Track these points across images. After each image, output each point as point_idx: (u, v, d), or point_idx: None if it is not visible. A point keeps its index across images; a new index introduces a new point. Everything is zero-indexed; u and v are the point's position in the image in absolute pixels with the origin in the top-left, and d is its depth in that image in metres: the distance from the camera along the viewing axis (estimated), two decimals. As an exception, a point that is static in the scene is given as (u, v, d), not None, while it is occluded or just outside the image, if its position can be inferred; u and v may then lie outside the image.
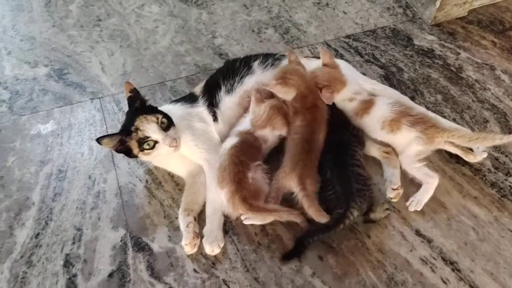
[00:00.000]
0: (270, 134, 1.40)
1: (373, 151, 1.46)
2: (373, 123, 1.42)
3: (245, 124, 1.42)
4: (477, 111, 1.60)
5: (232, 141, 1.35)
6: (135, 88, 1.35)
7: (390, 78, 1.71)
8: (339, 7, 2.01)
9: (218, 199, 1.31)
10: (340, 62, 1.56)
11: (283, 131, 1.39)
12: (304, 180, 1.28)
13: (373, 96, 1.46)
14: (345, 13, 1.99)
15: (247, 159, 1.31)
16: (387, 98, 1.44)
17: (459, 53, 1.79)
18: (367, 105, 1.42)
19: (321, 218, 1.23)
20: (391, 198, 1.37)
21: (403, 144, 1.40)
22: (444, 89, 1.66)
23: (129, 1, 2.08)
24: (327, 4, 2.03)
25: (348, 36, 1.88)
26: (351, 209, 1.25)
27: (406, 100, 1.52)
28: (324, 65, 1.44)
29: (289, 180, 1.30)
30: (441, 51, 1.80)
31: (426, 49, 1.81)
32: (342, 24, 1.94)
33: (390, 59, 1.78)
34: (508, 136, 1.31)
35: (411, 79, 1.70)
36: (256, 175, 1.31)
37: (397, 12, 1.97)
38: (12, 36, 1.95)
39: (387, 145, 1.45)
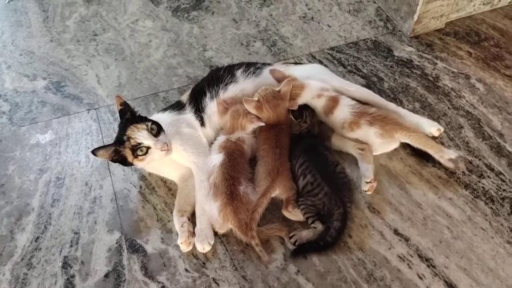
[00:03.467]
0: (244, 134, 1.50)
1: (349, 148, 1.55)
2: (336, 123, 1.55)
3: (221, 137, 1.52)
4: (452, 117, 1.69)
5: (219, 158, 1.43)
6: (125, 101, 1.42)
7: (371, 87, 1.80)
8: (323, 21, 2.12)
9: (208, 209, 1.39)
10: (313, 65, 1.71)
11: (252, 126, 1.48)
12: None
13: (338, 94, 1.56)
14: (329, 26, 2.09)
15: (237, 174, 1.40)
16: (349, 99, 1.54)
17: (436, 63, 1.89)
18: (333, 103, 1.53)
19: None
20: (365, 191, 1.47)
21: (364, 138, 1.52)
22: (421, 97, 1.76)
23: (124, 16, 2.18)
24: (312, 18, 2.13)
25: (332, 48, 1.98)
26: (347, 203, 1.37)
27: (377, 98, 1.62)
28: (278, 81, 1.54)
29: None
30: (419, 61, 1.90)
31: (405, 60, 1.91)
32: (326, 37, 2.04)
33: (372, 70, 1.88)
34: (454, 153, 1.45)
35: (391, 88, 1.80)
36: (247, 189, 1.39)
37: (378, 25, 2.08)
38: (12, 50, 2.04)
39: (362, 142, 1.54)
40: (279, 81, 1.54)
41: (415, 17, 1.93)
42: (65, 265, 1.38)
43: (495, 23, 2.04)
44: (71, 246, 1.42)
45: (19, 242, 1.43)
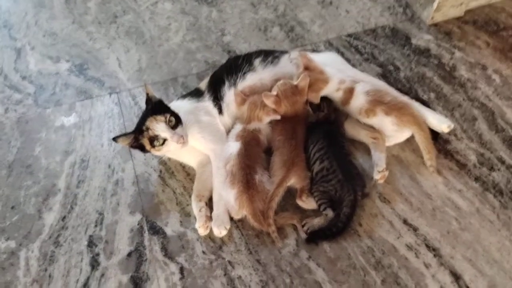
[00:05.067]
0: (260, 125, 1.54)
1: (362, 136, 1.59)
2: (353, 110, 1.57)
3: (238, 126, 1.56)
4: (467, 109, 1.71)
5: (236, 146, 1.48)
6: (147, 93, 1.47)
7: (387, 76, 1.82)
8: (342, 6, 2.12)
9: (224, 195, 1.44)
10: (329, 54, 1.73)
11: (268, 118, 1.52)
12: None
13: (353, 84, 1.57)
14: (347, 12, 2.09)
15: (253, 163, 1.45)
16: (364, 85, 1.56)
17: (453, 53, 1.89)
18: (349, 94, 1.56)
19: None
20: (377, 180, 1.51)
21: (379, 126, 1.56)
22: (437, 88, 1.78)
23: (143, -2, 2.21)
24: (331, 3, 2.13)
25: (349, 35, 1.99)
26: (358, 192, 1.42)
27: (392, 92, 1.60)
28: (305, 68, 1.56)
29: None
30: (436, 50, 1.91)
31: (422, 49, 1.92)
32: (344, 23, 2.05)
33: (388, 58, 1.89)
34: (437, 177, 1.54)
35: (407, 78, 1.81)
36: (263, 178, 1.44)
37: (397, 12, 2.07)
38: (35, 32, 2.09)
39: (374, 130, 1.58)
40: (306, 68, 1.56)
41: (435, 5, 1.93)
42: (91, 243, 1.47)
43: (515, 12, 2.02)
44: (96, 226, 1.50)
45: (46, 221, 1.52)
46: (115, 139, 1.41)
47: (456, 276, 1.35)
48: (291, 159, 1.44)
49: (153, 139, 1.41)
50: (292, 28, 2.04)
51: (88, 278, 1.40)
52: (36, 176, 1.63)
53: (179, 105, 1.56)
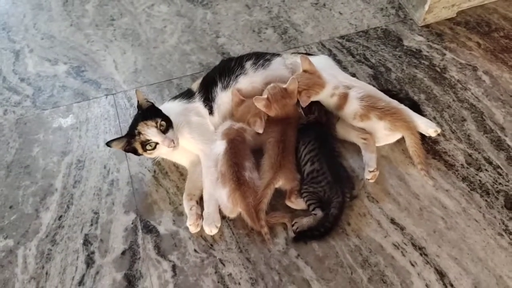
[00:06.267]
0: (247, 127, 1.57)
1: (352, 137, 1.62)
2: (347, 115, 1.60)
3: (225, 124, 1.59)
4: (456, 110, 1.73)
5: (222, 146, 1.51)
6: (138, 100, 1.51)
7: (378, 77, 1.85)
8: (335, 8, 2.14)
9: (218, 195, 1.48)
10: (322, 57, 1.74)
11: (255, 129, 1.54)
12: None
13: (347, 90, 1.60)
14: (340, 13, 2.12)
15: (240, 160, 1.48)
16: (358, 91, 1.59)
17: (444, 54, 1.91)
18: (344, 100, 1.58)
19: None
20: (368, 179, 1.55)
21: (371, 129, 1.59)
22: (427, 89, 1.80)
23: (140, 1, 2.24)
24: (324, 5, 2.16)
25: (342, 37, 2.02)
26: (346, 194, 1.46)
27: (382, 96, 1.62)
28: (304, 71, 1.59)
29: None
30: (428, 52, 1.93)
31: (414, 50, 1.94)
32: (337, 25, 2.07)
33: (380, 60, 1.91)
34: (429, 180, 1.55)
35: (398, 79, 1.84)
36: (253, 175, 1.48)
37: (390, 13, 2.10)
38: (34, 34, 2.13)
39: (364, 131, 1.61)
40: (305, 71, 1.59)
41: (426, 6, 1.95)
42: (86, 242, 1.51)
43: (506, 13, 2.04)
44: (91, 225, 1.54)
45: (43, 220, 1.56)
46: (108, 143, 1.45)
47: (441, 274, 1.38)
48: (278, 163, 1.47)
49: (145, 143, 1.45)
50: (285, 30, 2.07)
51: (83, 276, 1.44)
52: (34, 176, 1.67)
53: (170, 107, 1.60)
